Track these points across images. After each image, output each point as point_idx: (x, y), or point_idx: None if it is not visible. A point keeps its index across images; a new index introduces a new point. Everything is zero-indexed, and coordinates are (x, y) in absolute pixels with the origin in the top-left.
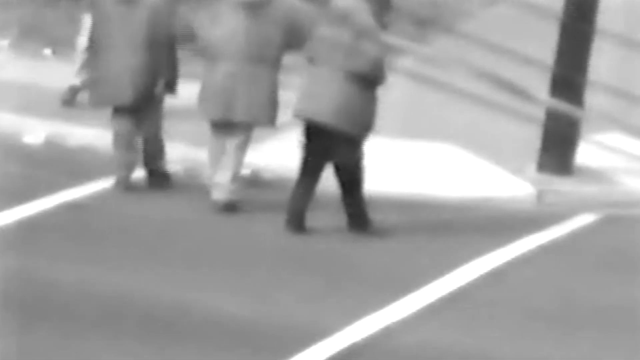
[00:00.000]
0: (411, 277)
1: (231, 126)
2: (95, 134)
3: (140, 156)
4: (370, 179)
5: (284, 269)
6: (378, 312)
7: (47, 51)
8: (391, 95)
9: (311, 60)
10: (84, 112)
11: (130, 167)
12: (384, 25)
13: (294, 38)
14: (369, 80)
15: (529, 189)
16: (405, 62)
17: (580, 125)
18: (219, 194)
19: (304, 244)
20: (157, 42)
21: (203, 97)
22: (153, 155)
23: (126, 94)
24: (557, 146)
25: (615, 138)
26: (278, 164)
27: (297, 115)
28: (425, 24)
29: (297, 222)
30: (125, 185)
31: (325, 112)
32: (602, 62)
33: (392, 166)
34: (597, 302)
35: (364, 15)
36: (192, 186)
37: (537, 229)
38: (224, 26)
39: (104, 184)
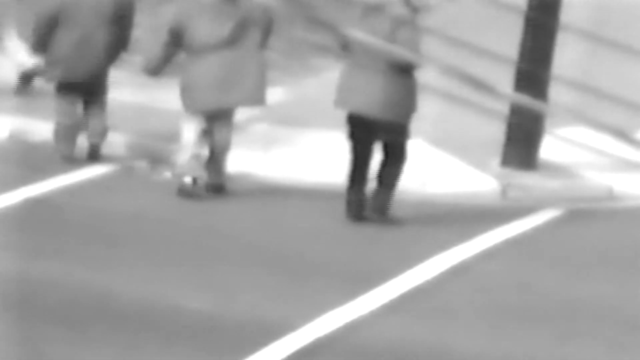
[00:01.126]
0: (375, 272)
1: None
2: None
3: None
4: (333, 171)
5: (247, 264)
6: (342, 307)
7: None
8: None
9: (348, 52)
10: (46, 103)
11: (72, 140)
12: (416, 11)
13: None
14: (408, 67)
15: (493, 184)
16: None
17: (544, 120)
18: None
19: (269, 238)
20: (121, 18)
21: (191, 90)
22: (96, 134)
23: (82, 68)
24: (521, 141)
25: (580, 132)
26: (245, 160)
27: (340, 106)
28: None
29: (357, 211)
30: (69, 158)
31: (370, 105)
32: (566, 56)
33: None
34: (560, 296)
35: (398, 6)
36: (158, 181)
37: (501, 223)
38: (204, 20)
39: (67, 178)
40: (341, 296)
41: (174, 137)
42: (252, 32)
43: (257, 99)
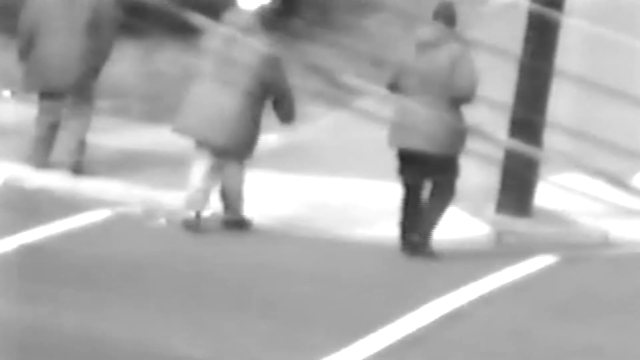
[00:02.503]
0: (369, 318)
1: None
2: (52, 176)
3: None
4: (332, 220)
5: (242, 310)
6: (336, 354)
7: (6, 93)
8: (350, 136)
9: (398, 90)
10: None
11: (44, 151)
12: (468, 45)
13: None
14: (461, 102)
15: (487, 230)
16: (364, 103)
17: (539, 166)
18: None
19: (264, 282)
20: (99, 28)
21: (183, 116)
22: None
23: (59, 78)
24: (516, 187)
25: (575, 179)
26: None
27: (394, 144)
28: (384, 65)
29: (413, 246)
30: (40, 165)
31: (425, 140)
32: (560, 102)
33: (352, 206)
34: (556, 343)
35: (451, 40)
36: (153, 227)
37: (496, 269)
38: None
39: (62, 225)
40: (336, 342)
41: (167, 183)
42: (246, 74)
43: (236, 145)
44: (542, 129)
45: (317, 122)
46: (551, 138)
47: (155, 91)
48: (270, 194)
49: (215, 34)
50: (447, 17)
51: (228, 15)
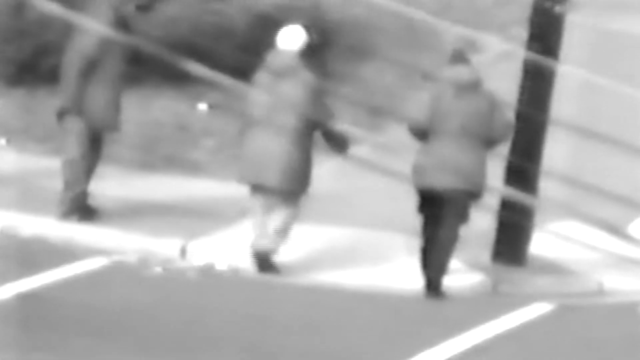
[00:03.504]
0: None
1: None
2: (48, 224)
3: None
4: (328, 269)
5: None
6: None
7: (2, 141)
8: (347, 184)
9: (422, 132)
10: (35, 197)
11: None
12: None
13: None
14: (496, 144)
15: (483, 278)
16: (360, 151)
17: (534, 214)
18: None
19: (255, 331)
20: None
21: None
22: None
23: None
24: (512, 235)
25: (571, 227)
26: (232, 254)
27: (418, 184)
28: (380, 113)
29: (436, 288)
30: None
31: (462, 179)
32: (556, 150)
33: (349, 254)
34: None
35: (484, 87)
36: (149, 275)
37: (491, 318)
38: (260, 92)
39: (58, 273)
40: None
41: (163, 231)
42: (296, 113)
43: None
44: (538, 177)
45: (314, 171)
46: (547, 186)
47: (151, 139)
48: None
49: (261, 79)
50: (465, 62)
51: (269, 57)
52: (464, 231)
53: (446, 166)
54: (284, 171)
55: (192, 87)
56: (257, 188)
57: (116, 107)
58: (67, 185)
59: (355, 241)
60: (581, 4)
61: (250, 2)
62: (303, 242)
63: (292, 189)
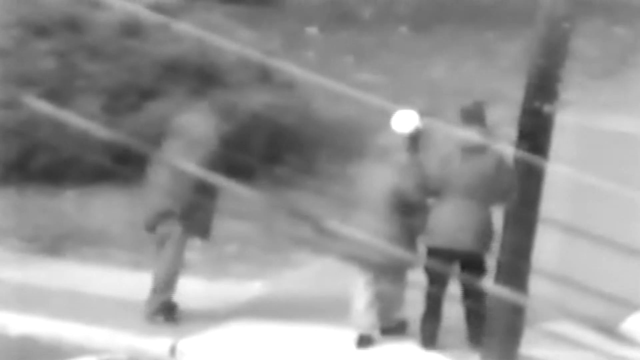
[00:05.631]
0: None
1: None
2: (36, 323)
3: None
4: None
5: None
6: None
7: None
8: (336, 283)
9: (438, 193)
10: (23, 296)
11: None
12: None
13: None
14: (500, 203)
15: None
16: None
17: (524, 314)
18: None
19: None
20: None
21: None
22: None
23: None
24: (501, 334)
25: (561, 326)
26: (222, 354)
27: (430, 242)
28: None
29: (430, 340)
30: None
31: (470, 240)
32: (546, 248)
33: (339, 355)
34: None
35: (493, 147)
36: None
37: None
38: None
39: None
40: None
41: (152, 331)
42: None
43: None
44: (528, 276)
45: (303, 269)
46: (537, 285)
47: (139, 239)
48: (254, 345)
49: (369, 161)
50: (480, 116)
51: (382, 138)
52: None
53: (453, 226)
54: (386, 248)
55: None
56: (363, 264)
57: (213, 216)
58: (159, 288)
59: (344, 341)
60: (571, 103)
61: (243, 106)
62: (289, 343)
63: (396, 264)
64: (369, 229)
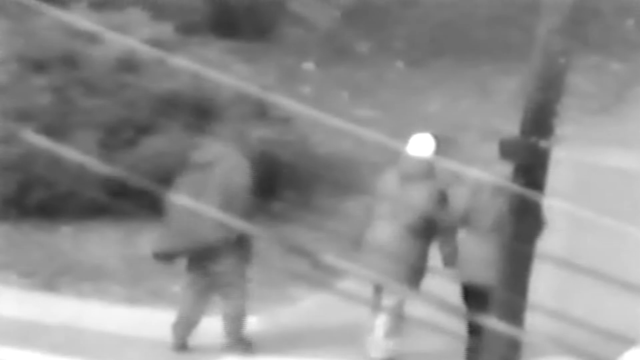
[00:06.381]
0: None
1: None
2: (33, 357)
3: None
4: None
5: None
6: None
7: None
8: (332, 318)
9: (462, 225)
10: (26, 335)
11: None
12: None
13: None
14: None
15: None
16: (345, 284)
17: (520, 348)
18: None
19: None
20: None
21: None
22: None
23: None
24: None
25: None
26: None
27: (460, 278)
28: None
29: None
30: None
31: (489, 274)
32: (542, 284)
33: None
34: None
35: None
36: None
37: None
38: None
39: None
40: None
41: None
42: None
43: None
44: (524, 311)
45: (299, 305)
46: (533, 321)
47: (136, 274)
48: None
49: (390, 179)
50: (516, 154)
51: (400, 161)
52: None
53: (481, 261)
54: (403, 271)
55: None
56: (378, 288)
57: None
58: (183, 318)
59: None
60: (567, 138)
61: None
62: None
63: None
64: (391, 249)
